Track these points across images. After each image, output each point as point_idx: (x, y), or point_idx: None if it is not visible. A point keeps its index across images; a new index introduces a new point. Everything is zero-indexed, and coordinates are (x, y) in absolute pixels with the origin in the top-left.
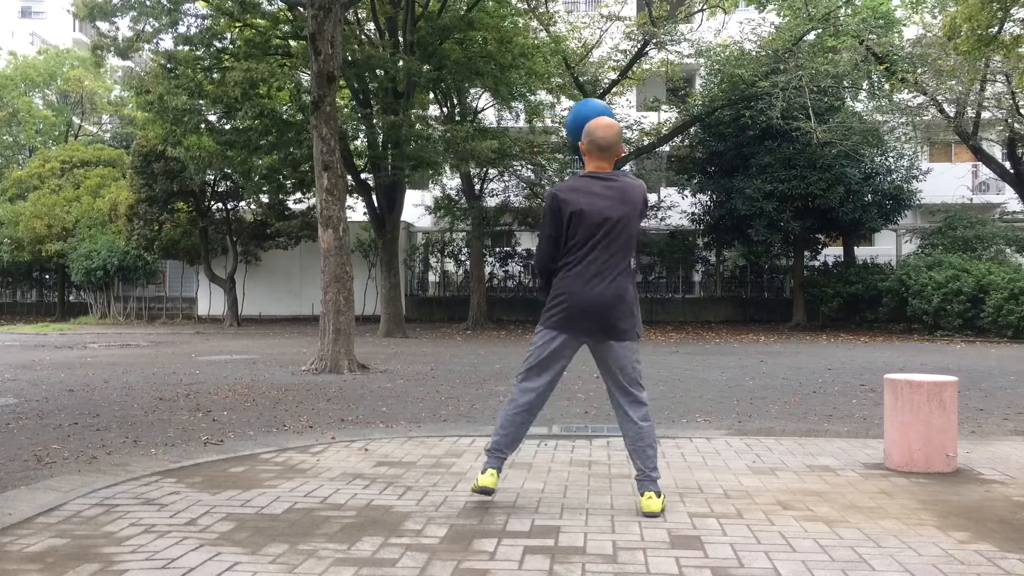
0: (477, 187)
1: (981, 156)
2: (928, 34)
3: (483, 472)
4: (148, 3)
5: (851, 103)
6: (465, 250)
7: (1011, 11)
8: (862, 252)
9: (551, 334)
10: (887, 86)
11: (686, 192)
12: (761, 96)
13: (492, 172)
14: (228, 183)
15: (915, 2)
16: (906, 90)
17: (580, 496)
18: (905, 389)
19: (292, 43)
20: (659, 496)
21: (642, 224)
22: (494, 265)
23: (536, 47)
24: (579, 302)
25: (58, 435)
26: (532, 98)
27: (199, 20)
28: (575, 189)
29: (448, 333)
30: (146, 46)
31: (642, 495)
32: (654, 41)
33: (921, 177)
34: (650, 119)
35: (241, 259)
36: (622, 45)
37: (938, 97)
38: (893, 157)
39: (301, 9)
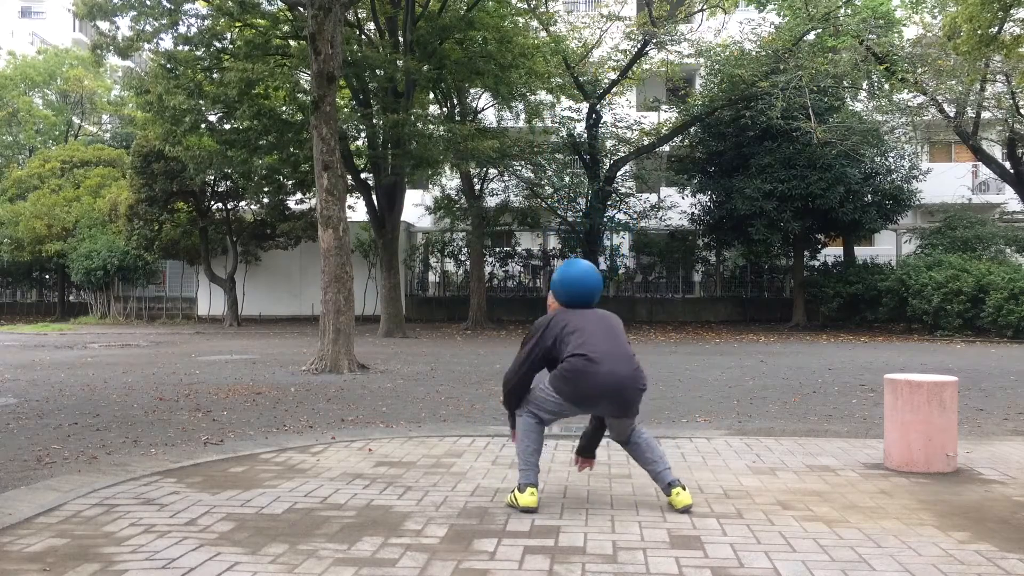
0: (477, 187)
1: (981, 156)
2: (928, 34)
3: (522, 492)
4: (148, 3)
5: (851, 103)
6: (465, 250)
7: (1011, 11)
8: (862, 252)
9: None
10: (887, 86)
11: (686, 192)
12: (761, 96)
13: (492, 172)
14: (228, 183)
15: (915, 2)
16: (906, 90)
17: (580, 496)
18: (905, 389)
19: (292, 43)
20: (685, 488)
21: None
22: (494, 265)
23: (536, 47)
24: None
25: (58, 435)
26: (532, 98)
27: (199, 20)
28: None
29: (448, 333)
30: (146, 46)
31: (670, 494)
32: (654, 41)
33: (921, 177)
34: (650, 119)
35: (241, 259)
36: (622, 45)
37: (938, 97)
38: (893, 157)
39: (301, 9)
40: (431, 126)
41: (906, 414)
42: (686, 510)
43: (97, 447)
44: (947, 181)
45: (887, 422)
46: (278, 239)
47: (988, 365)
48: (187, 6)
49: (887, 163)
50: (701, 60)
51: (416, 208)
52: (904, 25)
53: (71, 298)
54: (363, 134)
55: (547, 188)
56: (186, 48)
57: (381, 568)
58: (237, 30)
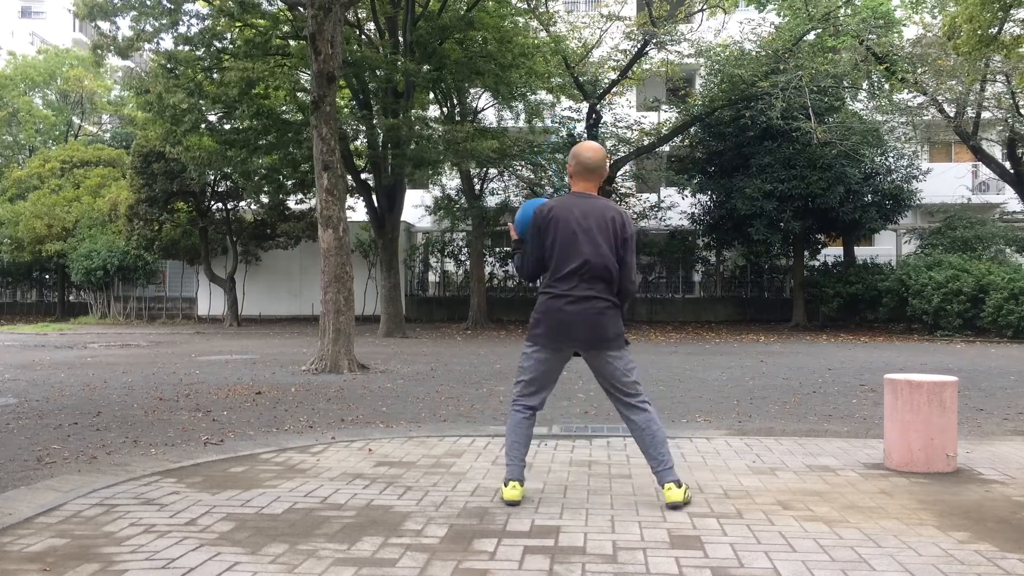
0: (477, 187)
1: (981, 156)
2: (928, 34)
3: (506, 485)
4: (148, 3)
5: (851, 103)
6: (465, 250)
7: (1011, 11)
8: (862, 252)
9: (536, 348)
10: (887, 86)
11: (686, 192)
12: (761, 96)
13: (492, 172)
14: (228, 183)
15: (915, 2)
16: (906, 90)
17: (580, 496)
18: (905, 389)
19: (292, 43)
20: (680, 486)
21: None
22: (494, 265)
23: (536, 47)
24: (556, 320)
25: (58, 435)
26: (532, 98)
27: (199, 20)
28: (560, 205)
29: (448, 333)
30: (146, 46)
31: (663, 487)
32: (654, 41)
33: (921, 177)
34: (650, 119)
35: (241, 259)
36: (622, 45)
37: (938, 97)
38: (893, 157)
39: (301, 9)
40: (430, 128)
41: (906, 414)
42: (675, 506)
43: (97, 447)
44: (947, 181)
45: (887, 422)
46: (278, 239)
47: (988, 365)
48: (187, 6)
49: (887, 163)
50: (701, 60)
51: (416, 208)
52: (904, 25)
53: (71, 298)
54: (363, 134)
55: (547, 188)
56: (186, 48)
57: (381, 568)
58: (237, 30)
